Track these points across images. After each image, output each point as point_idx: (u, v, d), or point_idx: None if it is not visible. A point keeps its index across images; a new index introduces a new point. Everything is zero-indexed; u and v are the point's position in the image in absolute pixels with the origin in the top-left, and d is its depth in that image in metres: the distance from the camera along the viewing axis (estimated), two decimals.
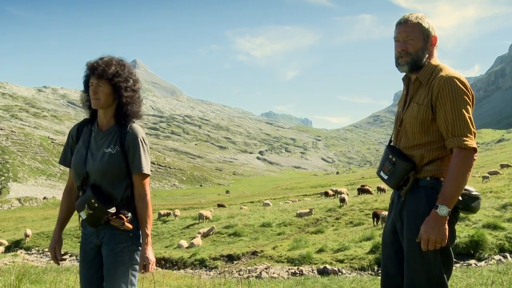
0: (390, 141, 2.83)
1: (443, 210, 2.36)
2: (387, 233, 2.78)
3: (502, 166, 40.34)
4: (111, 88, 2.69)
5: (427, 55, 2.62)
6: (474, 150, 2.44)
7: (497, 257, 11.08)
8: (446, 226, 2.39)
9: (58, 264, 2.90)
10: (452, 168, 2.40)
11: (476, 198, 2.55)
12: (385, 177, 2.66)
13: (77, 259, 18.31)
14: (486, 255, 11.23)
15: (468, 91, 2.50)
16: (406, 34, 2.60)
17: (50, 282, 6.14)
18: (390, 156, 2.63)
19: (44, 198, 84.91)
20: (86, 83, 2.74)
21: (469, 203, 2.53)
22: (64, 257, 2.85)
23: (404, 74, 2.78)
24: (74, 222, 2.93)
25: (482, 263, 10.78)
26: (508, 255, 11.22)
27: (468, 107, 2.47)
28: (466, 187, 2.51)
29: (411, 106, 2.62)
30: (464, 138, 2.42)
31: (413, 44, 2.58)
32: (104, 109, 2.74)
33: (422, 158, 2.57)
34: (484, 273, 8.06)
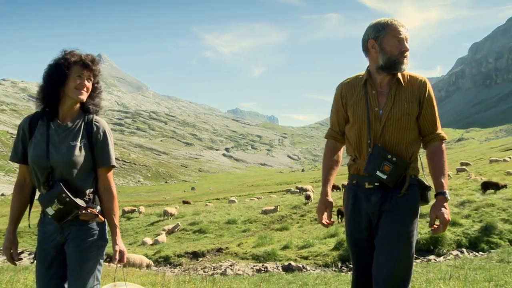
0: (369, 139, 2.76)
1: (449, 195, 2.67)
2: (361, 230, 2.79)
3: (462, 164, 41.66)
4: (92, 84, 2.76)
5: None
6: None
7: (455, 252, 11.43)
8: None
9: (15, 265, 2.83)
10: (442, 158, 2.72)
11: (430, 188, 2.77)
12: (384, 176, 2.66)
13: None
14: (444, 251, 11.58)
15: None
16: (407, 40, 2.74)
17: (6, 282, 5.96)
18: (389, 156, 2.66)
19: (2, 194, 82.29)
20: (61, 74, 2.64)
21: (427, 193, 2.77)
22: (20, 256, 2.77)
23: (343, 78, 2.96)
24: (25, 221, 2.83)
25: (441, 258, 11.10)
26: (465, 250, 11.60)
27: None
28: (421, 178, 2.79)
29: (399, 104, 2.70)
30: (443, 132, 2.79)
31: (408, 51, 2.75)
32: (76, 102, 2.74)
33: (411, 156, 2.74)
34: (443, 268, 8.29)
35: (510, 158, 44.58)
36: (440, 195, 2.64)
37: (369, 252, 2.77)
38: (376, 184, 2.71)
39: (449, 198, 2.66)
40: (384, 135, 2.71)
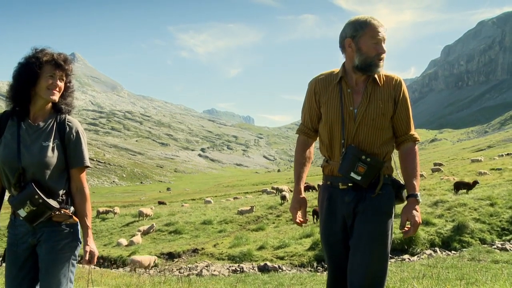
0: (342, 139, 2.69)
1: (420, 197, 2.66)
2: (336, 232, 2.74)
3: (435, 164, 42.47)
4: (64, 83, 2.70)
5: None
6: None
7: (428, 251, 11.62)
8: None
9: None
10: (414, 160, 2.72)
11: (405, 187, 2.73)
12: (358, 177, 2.61)
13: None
14: (418, 250, 11.76)
15: None
16: (384, 41, 2.66)
17: None
18: (364, 157, 2.59)
19: None
20: (32, 73, 2.58)
21: (401, 192, 2.74)
22: None
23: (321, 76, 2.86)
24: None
25: (415, 257, 11.27)
26: (438, 249, 11.80)
27: None
28: (395, 177, 2.77)
29: (374, 104, 2.65)
30: (416, 133, 2.78)
31: (385, 53, 2.69)
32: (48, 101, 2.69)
33: (385, 155, 2.70)
34: (416, 267, 8.42)
35: (483, 158, 46.03)
36: (412, 197, 2.63)
37: (344, 253, 2.73)
38: (349, 184, 2.66)
39: (420, 200, 2.64)
40: (358, 135, 2.65)
